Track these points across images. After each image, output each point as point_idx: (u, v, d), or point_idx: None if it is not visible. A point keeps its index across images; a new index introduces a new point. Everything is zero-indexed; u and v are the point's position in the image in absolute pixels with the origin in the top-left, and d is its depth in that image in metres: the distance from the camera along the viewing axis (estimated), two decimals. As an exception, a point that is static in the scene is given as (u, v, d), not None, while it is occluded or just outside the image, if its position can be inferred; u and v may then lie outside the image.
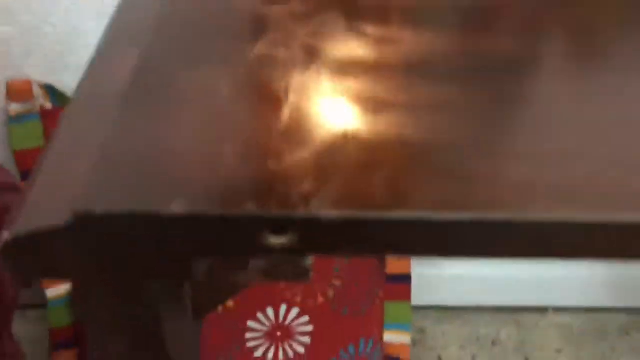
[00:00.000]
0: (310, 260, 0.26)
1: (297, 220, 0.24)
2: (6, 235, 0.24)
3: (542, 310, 1.32)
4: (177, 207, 0.24)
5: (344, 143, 0.28)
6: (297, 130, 0.28)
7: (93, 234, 0.24)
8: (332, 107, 0.30)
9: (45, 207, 0.25)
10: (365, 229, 0.24)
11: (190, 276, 0.25)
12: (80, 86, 0.32)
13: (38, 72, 1.08)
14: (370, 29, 0.36)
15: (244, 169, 0.26)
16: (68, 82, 1.10)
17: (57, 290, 1.08)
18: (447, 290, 1.31)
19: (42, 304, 1.09)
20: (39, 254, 0.24)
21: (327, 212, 0.24)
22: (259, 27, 0.36)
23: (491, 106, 0.30)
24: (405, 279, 1.13)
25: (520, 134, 0.29)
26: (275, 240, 0.25)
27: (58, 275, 0.25)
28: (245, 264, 0.26)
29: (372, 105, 0.30)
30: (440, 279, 1.29)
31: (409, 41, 0.35)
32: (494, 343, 1.28)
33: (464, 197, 0.25)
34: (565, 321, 1.31)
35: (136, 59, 0.32)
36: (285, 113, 0.29)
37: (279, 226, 0.24)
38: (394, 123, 0.29)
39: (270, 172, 0.26)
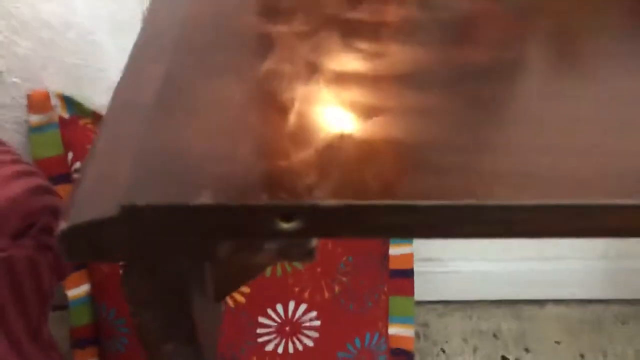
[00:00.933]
0: (314, 243, 0.31)
1: (302, 208, 0.29)
2: (63, 225, 0.29)
3: (541, 302, 1.35)
4: (204, 198, 0.29)
5: (341, 143, 0.33)
6: (302, 133, 0.33)
7: (136, 222, 0.29)
8: (331, 113, 0.35)
9: (94, 200, 0.30)
10: (359, 214, 0.29)
11: (215, 256, 0.31)
12: (114, 96, 0.37)
13: (56, 84, 1.13)
14: (363, 45, 0.41)
15: (257, 166, 0.31)
16: (84, 92, 1.14)
17: (78, 290, 1.12)
18: (449, 285, 1.35)
19: (62, 305, 1.13)
20: (90, 241, 0.30)
21: (327, 201, 0.29)
22: (267, 44, 0.42)
23: (468, 110, 0.35)
24: (408, 273, 1.17)
25: (492, 133, 0.34)
26: (285, 225, 0.30)
27: (105, 258, 0.30)
28: (260, 246, 0.31)
29: (365, 110, 0.35)
30: (442, 275, 1.33)
31: (396, 55, 0.40)
32: (495, 335, 1.32)
33: (442, 187, 0.30)
34: (564, 313, 1.35)
35: (162, 73, 0.38)
36: (291, 119, 0.34)
37: (288, 213, 0.29)
38: (383, 125, 0.34)
39: (279, 168, 0.31)
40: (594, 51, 0.43)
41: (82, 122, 1.13)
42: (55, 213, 0.61)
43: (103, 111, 1.14)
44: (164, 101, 0.36)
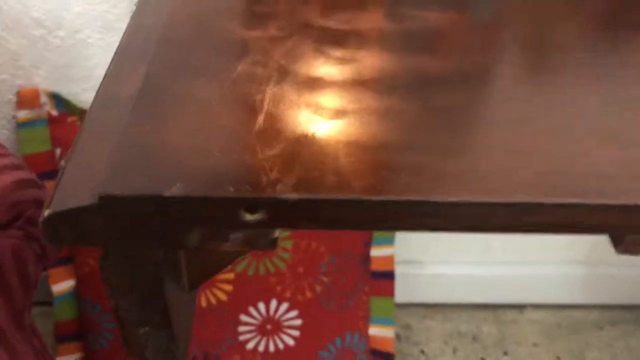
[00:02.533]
0: (277, 233, 0.33)
1: (265, 201, 0.32)
2: (47, 211, 0.32)
3: (520, 307, 1.38)
4: (176, 190, 0.31)
5: (305, 142, 0.36)
6: (269, 132, 0.36)
7: (113, 210, 0.32)
8: (297, 114, 0.38)
9: (75, 189, 0.32)
10: (317, 208, 0.32)
11: (186, 244, 0.33)
12: (99, 92, 0.39)
13: (46, 82, 1.15)
14: (332, 51, 0.44)
15: (226, 161, 0.34)
16: (73, 90, 1.16)
17: (62, 285, 1.14)
18: (431, 288, 1.37)
19: (47, 301, 1.15)
20: (71, 226, 0.32)
21: (288, 194, 0.32)
22: (243, 47, 0.44)
23: (425, 114, 0.38)
24: (389, 275, 1.19)
25: (444, 136, 0.37)
26: (249, 217, 0.32)
27: (85, 243, 0.32)
28: (227, 236, 0.33)
29: (329, 112, 0.38)
30: (425, 278, 1.35)
31: (363, 61, 0.43)
32: (474, 338, 1.34)
33: (392, 184, 0.32)
34: (542, 317, 1.37)
35: (144, 71, 0.40)
36: (260, 118, 0.37)
37: (252, 205, 0.32)
38: (345, 127, 0.37)
39: (246, 164, 0.34)
40: (551, 62, 0.46)
41: (70, 119, 1.15)
42: (41, 205, 0.63)
43: (92, 110, 1.16)
44: (144, 98, 0.38)
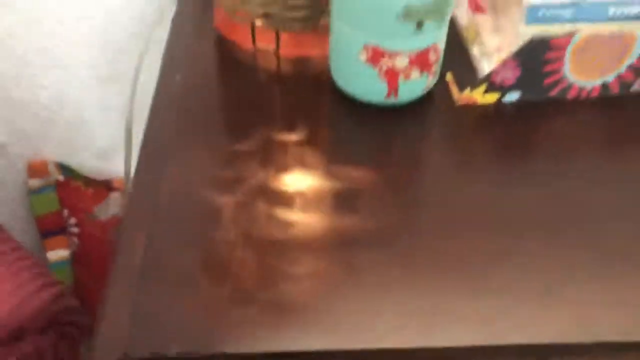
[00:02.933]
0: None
1: (235, 357, 0.49)
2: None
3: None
4: (172, 350, 0.48)
5: (263, 303, 0.53)
6: (237, 296, 0.53)
7: (131, 365, 0.49)
8: (256, 278, 0.55)
9: (104, 351, 0.49)
10: (271, 357, 0.49)
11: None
12: (115, 264, 0.56)
13: (53, 153, 1.30)
14: (280, 214, 0.60)
15: (209, 324, 0.51)
16: (77, 159, 1.31)
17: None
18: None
19: None
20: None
21: (250, 350, 0.49)
22: (216, 214, 0.61)
23: (343, 275, 0.55)
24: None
25: (359, 296, 0.54)
26: (226, 364, 0.49)
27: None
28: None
29: (277, 277, 0.55)
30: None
31: (303, 223, 0.59)
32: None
33: (320, 338, 0.49)
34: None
35: (144, 241, 0.57)
36: (229, 284, 0.54)
37: (227, 357, 0.49)
38: (285, 292, 0.54)
39: (223, 325, 0.50)
40: (457, 226, 0.61)
41: (75, 184, 1.31)
42: (69, 311, 0.81)
43: (92, 174, 1.31)
44: (146, 274, 0.55)
